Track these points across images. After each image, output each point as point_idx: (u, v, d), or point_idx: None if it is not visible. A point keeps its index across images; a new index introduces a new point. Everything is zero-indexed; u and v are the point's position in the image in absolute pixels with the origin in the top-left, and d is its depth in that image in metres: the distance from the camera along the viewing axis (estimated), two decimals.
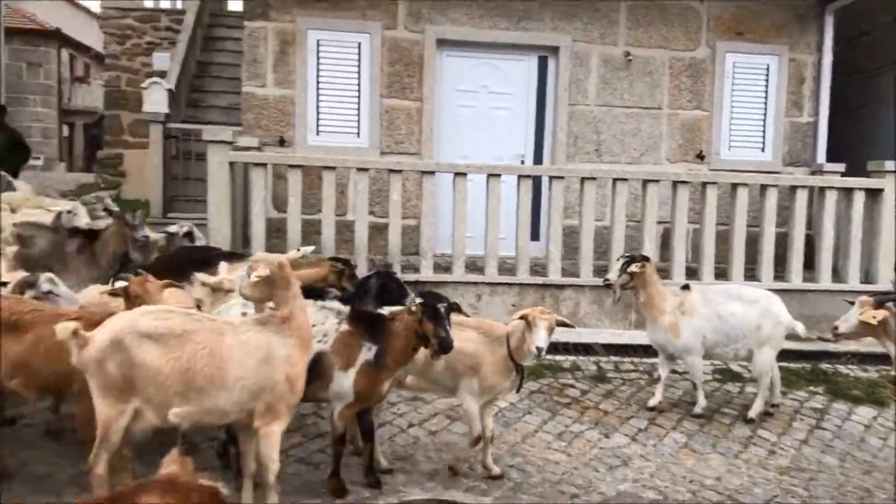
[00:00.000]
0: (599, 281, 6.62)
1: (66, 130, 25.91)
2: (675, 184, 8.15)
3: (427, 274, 7.74)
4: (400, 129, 9.33)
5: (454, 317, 4.37)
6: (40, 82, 24.25)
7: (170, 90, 10.71)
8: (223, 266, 5.17)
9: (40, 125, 23.90)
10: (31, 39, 23.66)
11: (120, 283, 4.46)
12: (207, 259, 5.59)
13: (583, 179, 8.01)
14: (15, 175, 9.48)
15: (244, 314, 4.13)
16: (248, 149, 8.59)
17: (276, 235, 8.40)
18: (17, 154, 10.76)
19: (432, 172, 7.96)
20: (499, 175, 7.88)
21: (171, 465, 1.95)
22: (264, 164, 7.97)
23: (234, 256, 5.86)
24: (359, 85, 9.21)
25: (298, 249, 5.53)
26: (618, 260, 6.22)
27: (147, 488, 1.79)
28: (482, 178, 7.92)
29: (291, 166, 7.84)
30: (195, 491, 1.79)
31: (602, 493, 4.65)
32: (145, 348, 3.50)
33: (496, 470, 4.73)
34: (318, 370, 4.12)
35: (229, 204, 7.81)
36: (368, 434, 4.56)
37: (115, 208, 6.77)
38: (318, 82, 9.16)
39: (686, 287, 6.11)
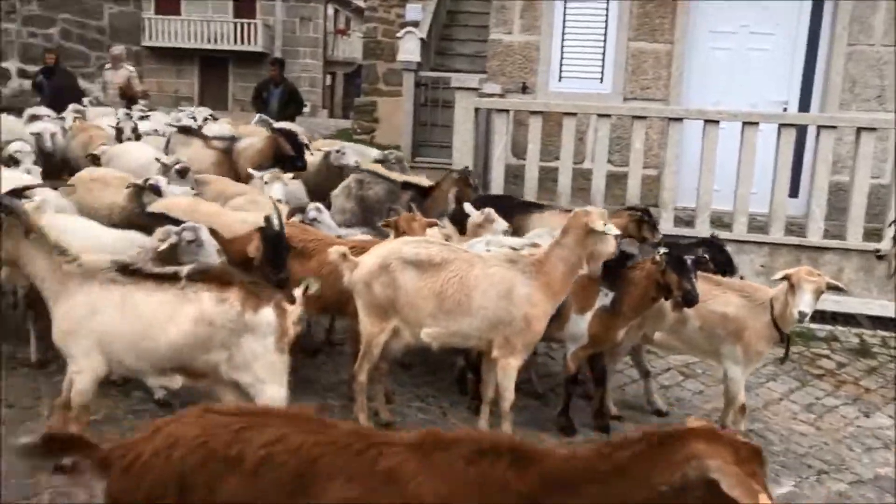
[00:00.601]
0: (869, 246, 5.87)
1: (328, 80, 28.57)
2: None
3: (667, 227, 7.39)
4: (646, 73, 8.91)
5: (717, 278, 4.18)
6: (309, 35, 26.93)
7: (421, 39, 11.23)
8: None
9: (308, 75, 26.64)
10: None
11: None
12: (509, 206, 5.79)
13: (859, 130, 7.06)
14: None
15: (488, 250, 4.33)
16: (491, 95, 8.80)
17: (513, 182, 8.57)
18: (292, 106, 12.07)
19: (680, 119, 7.53)
20: (756, 123, 7.22)
21: (694, 422, 1.94)
22: (506, 111, 8.12)
23: (532, 206, 6.06)
24: (605, 28, 8.92)
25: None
26: (889, 225, 5.45)
27: (693, 436, 1.82)
28: (734, 126, 7.33)
29: (532, 112, 7.90)
30: (742, 447, 1.80)
31: (856, 474, 4.23)
32: (407, 273, 3.87)
33: None
34: (555, 311, 4.20)
35: (472, 149, 8.10)
36: (600, 379, 4.58)
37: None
38: (563, 27, 9.05)
39: None
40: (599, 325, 4.24)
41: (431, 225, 4.83)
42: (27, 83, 12.06)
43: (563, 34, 9.05)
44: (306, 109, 23.19)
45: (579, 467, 1.86)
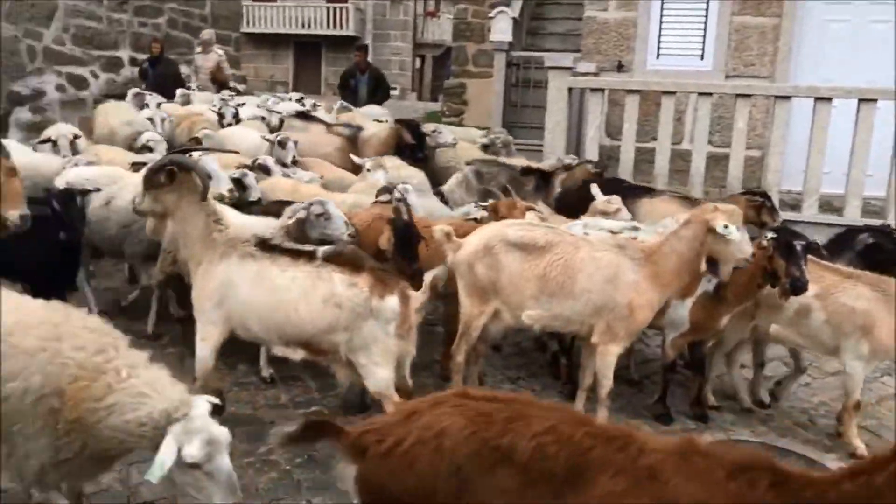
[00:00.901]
0: None
1: (417, 62, 28.75)
2: None
3: None
4: (750, 49, 8.48)
5: (846, 269, 3.94)
6: (399, 18, 27.14)
7: (514, 19, 11.11)
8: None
9: (398, 58, 26.91)
10: None
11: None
12: (616, 191, 5.55)
13: None
14: None
15: (586, 233, 4.25)
16: (585, 74, 8.61)
17: (606, 163, 8.38)
18: (380, 91, 12.17)
19: (788, 97, 7.14)
20: (874, 100, 6.75)
21: None
22: (601, 90, 7.93)
23: (643, 191, 5.85)
24: (707, 3, 8.54)
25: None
26: None
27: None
28: (847, 104, 6.88)
29: (629, 91, 7.68)
30: None
31: None
32: (510, 255, 3.85)
33: (861, 447, 4.10)
34: None
35: (565, 129, 7.97)
36: (699, 367, 4.45)
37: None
38: (662, 2, 8.73)
39: None
40: (701, 311, 4.09)
41: (529, 209, 4.78)
42: (137, 71, 12.74)
43: (662, 10, 8.74)
44: (395, 92, 23.48)
45: (838, 492, 1.80)
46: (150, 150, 6.28)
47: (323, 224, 4.03)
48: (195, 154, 4.43)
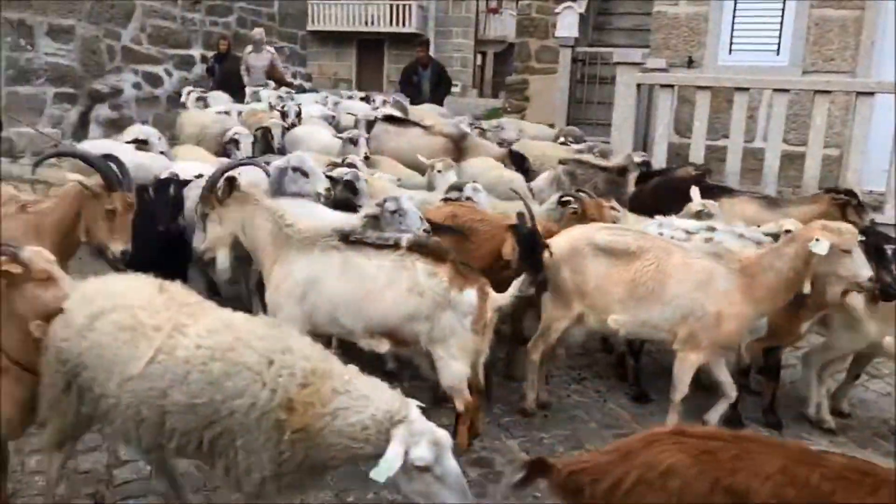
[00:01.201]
0: None
1: (479, 59, 28.70)
2: None
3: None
4: (830, 43, 8.14)
5: None
6: (461, 15, 27.16)
7: (580, 14, 10.96)
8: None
9: (460, 55, 26.92)
10: None
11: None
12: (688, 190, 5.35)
13: None
14: (439, 104, 10.77)
15: (661, 233, 4.16)
16: (654, 70, 8.43)
17: (675, 161, 8.18)
18: (442, 86, 12.19)
19: (871, 93, 6.82)
20: None
21: None
22: (671, 86, 7.75)
23: (721, 190, 5.59)
24: None
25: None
26: None
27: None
28: None
29: (700, 88, 7.49)
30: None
31: None
32: (598, 259, 3.80)
33: None
34: None
35: (633, 126, 7.83)
36: (773, 373, 4.30)
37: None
38: None
39: None
40: (781, 317, 3.94)
41: (612, 209, 4.70)
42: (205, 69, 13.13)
43: (736, 4, 8.47)
44: (456, 89, 23.51)
45: None
46: (237, 143, 6.38)
47: (397, 220, 4.05)
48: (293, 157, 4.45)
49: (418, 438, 2.26)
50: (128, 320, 2.52)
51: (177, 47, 13.30)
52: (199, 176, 4.70)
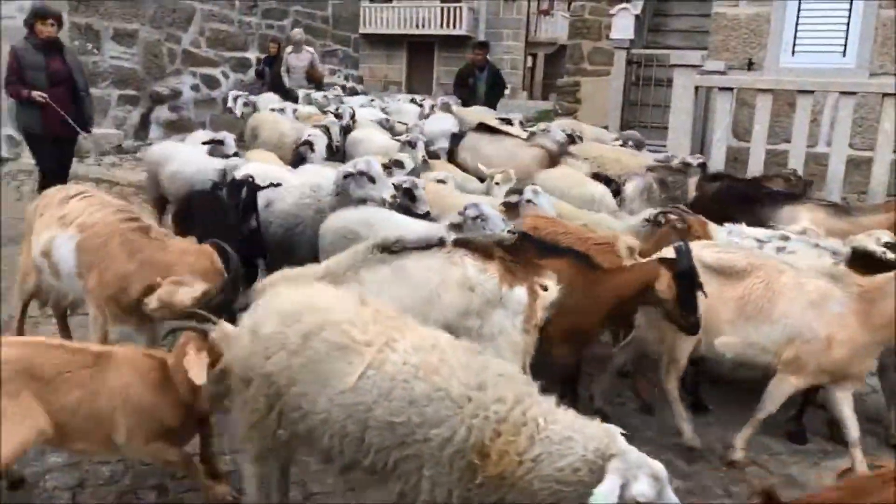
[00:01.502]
0: None
1: (529, 61, 28.57)
2: None
3: None
4: None
5: None
6: (512, 17, 27.08)
7: (636, 16, 10.82)
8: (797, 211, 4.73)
9: (510, 57, 26.84)
10: None
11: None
12: (755, 197, 5.20)
13: None
14: (493, 107, 10.70)
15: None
16: (712, 73, 8.26)
17: (733, 165, 8.01)
18: (497, 89, 12.10)
19: None
20: None
21: None
22: (730, 89, 7.57)
23: (784, 197, 5.26)
24: None
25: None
26: None
27: None
28: None
29: (761, 90, 7.30)
30: None
31: None
32: (707, 279, 3.59)
33: None
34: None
35: (690, 129, 7.68)
36: None
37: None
38: None
39: None
40: None
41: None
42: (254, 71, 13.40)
43: (800, 4, 8.22)
44: (507, 91, 23.45)
45: None
46: (311, 144, 6.41)
47: (480, 225, 3.97)
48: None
49: (636, 472, 2.13)
50: (340, 338, 2.46)
51: (234, 50, 13.60)
52: (277, 184, 4.67)
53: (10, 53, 6.74)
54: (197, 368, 2.72)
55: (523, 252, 3.66)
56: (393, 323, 2.53)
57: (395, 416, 2.32)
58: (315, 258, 4.78)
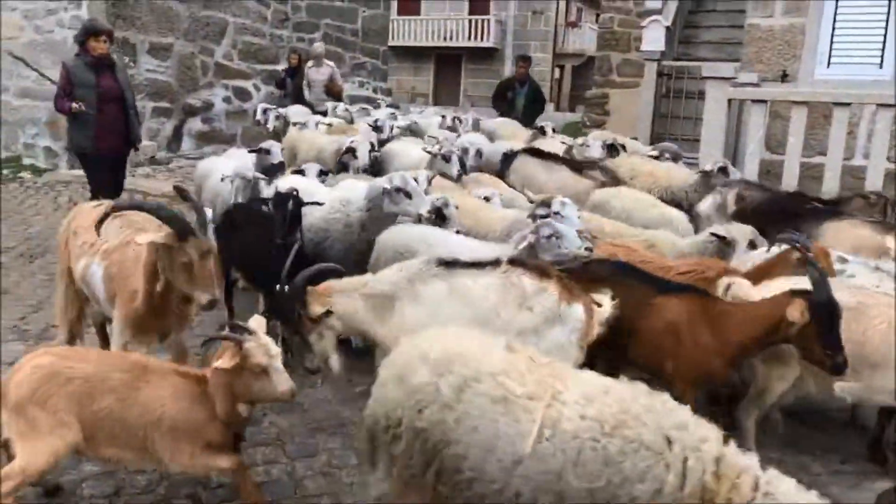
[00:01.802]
0: None
1: (556, 73, 28.54)
2: None
3: None
4: None
5: None
6: (540, 29, 27.11)
7: (666, 27, 10.75)
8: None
9: (537, 69, 26.72)
10: None
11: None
12: (798, 211, 4.91)
13: None
14: (531, 123, 10.64)
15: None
16: (745, 85, 8.17)
17: (766, 178, 7.90)
18: (537, 104, 11.94)
19: None
20: None
21: None
22: (764, 101, 7.48)
23: (826, 213, 4.97)
24: (889, 6, 7.84)
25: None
26: None
27: None
28: None
29: (796, 103, 7.20)
30: None
31: None
32: None
33: None
34: None
35: (723, 142, 7.60)
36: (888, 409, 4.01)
37: None
38: (836, 6, 8.11)
39: None
40: None
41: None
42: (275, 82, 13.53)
43: (836, 13, 8.11)
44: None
45: None
46: (353, 151, 6.41)
47: (555, 244, 3.87)
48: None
49: None
50: (497, 390, 2.24)
51: (265, 63, 13.81)
52: (321, 203, 4.62)
53: (62, 70, 6.77)
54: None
55: (631, 288, 3.50)
56: (549, 370, 2.33)
57: (591, 481, 2.08)
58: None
